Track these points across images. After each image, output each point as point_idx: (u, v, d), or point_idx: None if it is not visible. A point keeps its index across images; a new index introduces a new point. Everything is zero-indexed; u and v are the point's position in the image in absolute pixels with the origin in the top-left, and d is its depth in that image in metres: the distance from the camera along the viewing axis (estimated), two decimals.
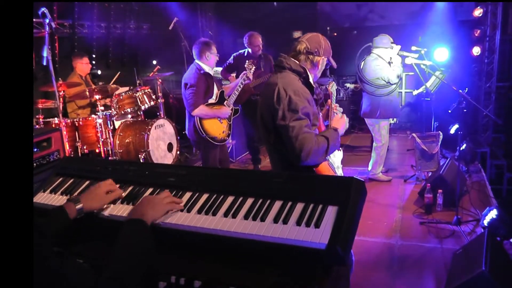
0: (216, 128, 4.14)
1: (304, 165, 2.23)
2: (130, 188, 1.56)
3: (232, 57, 5.50)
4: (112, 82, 5.77)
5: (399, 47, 5.10)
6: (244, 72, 4.35)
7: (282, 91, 2.21)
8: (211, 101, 4.12)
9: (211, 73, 4.18)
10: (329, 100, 2.54)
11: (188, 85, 3.99)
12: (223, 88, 4.37)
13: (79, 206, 1.38)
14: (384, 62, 5.02)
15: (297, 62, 2.35)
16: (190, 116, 4.08)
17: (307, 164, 2.23)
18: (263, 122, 2.39)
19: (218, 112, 4.13)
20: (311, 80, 2.37)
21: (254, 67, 4.42)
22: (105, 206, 1.47)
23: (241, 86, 4.30)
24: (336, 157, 2.55)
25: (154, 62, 6.62)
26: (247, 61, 4.45)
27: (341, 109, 2.68)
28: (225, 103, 4.23)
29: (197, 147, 4.29)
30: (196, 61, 4.15)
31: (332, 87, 2.64)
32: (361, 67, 5.15)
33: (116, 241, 1.17)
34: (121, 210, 1.45)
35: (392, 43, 5.07)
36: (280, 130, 2.23)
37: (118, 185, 1.57)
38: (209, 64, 4.14)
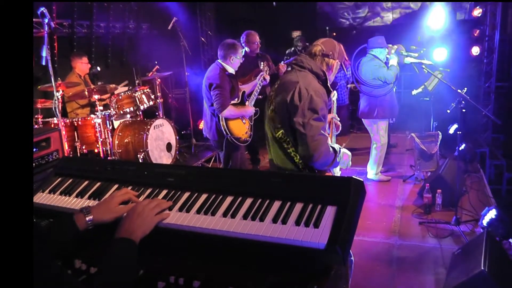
0: (240, 128, 4.15)
1: (312, 165, 2.27)
2: (129, 188, 1.56)
3: None
4: (121, 85, 5.78)
5: (395, 47, 5.10)
6: (261, 73, 4.36)
7: (304, 90, 2.25)
8: (233, 102, 4.12)
9: (234, 73, 4.19)
10: (330, 114, 2.56)
11: (213, 85, 3.94)
12: (242, 89, 4.39)
13: (89, 217, 1.33)
14: (380, 62, 5.03)
15: (317, 64, 2.39)
16: (212, 117, 4.07)
17: (316, 164, 2.27)
18: (273, 117, 2.40)
19: (244, 112, 4.16)
20: (329, 84, 2.41)
21: (268, 69, 4.43)
22: (116, 218, 1.37)
23: (260, 87, 4.31)
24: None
25: (156, 62, 6.62)
26: (262, 62, 4.44)
27: (339, 123, 2.74)
28: (246, 103, 4.26)
29: (219, 147, 4.27)
30: (220, 61, 4.13)
31: (334, 97, 2.66)
32: (358, 68, 5.16)
33: (104, 259, 1.17)
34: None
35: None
36: (296, 127, 2.25)
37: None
38: (232, 66, 4.15)
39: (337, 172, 2.59)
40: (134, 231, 1.24)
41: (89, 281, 1.20)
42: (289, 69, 2.51)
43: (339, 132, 2.74)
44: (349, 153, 2.51)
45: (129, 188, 1.55)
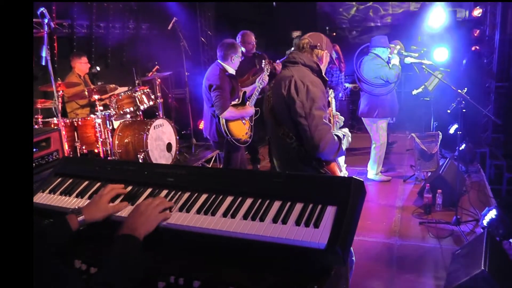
0: (240, 129, 4.12)
1: (318, 156, 2.27)
2: (129, 188, 1.56)
3: None
4: (120, 88, 5.79)
5: (398, 47, 5.11)
6: (262, 72, 4.33)
7: (299, 82, 2.25)
8: (233, 102, 4.10)
9: (234, 73, 4.16)
10: (329, 109, 2.56)
11: (213, 86, 3.92)
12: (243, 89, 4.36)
13: (81, 218, 1.35)
14: (382, 62, 5.04)
15: (309, 57, 2.40)
16: (212, 117, 4.05)
17: (323, 155, 2.27)
18: (272, 115, 2.40)
19: (244, 112, 4.14)
20: (323, 74, 2.42)
21: (269, 67, 4.38)
22: (107, 216, 1.42)
23: (261, 86, 4.27)
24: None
25: (156, 62, 6.62)
26: (263, 60, 4.38)
27: (343, 118, 2.74)
28: (247, 103, 4.23)
29: (219, 148, 4.28)
30: (220, 61, 4.10)
31: (331, 94, 2.67)
32: (360, 66, 5.16)
33: (108, 256, 1.17)
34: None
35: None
36: (298, 119, 2.24)
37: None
38: (233, 66, 4.12)
39: (343, 164, 2.58)
40: (137, 228, 1.25)
41: (89, 281, 1.20)
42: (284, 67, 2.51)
43: (340, 127, 2.73)
44: (346, 130, 2.52)
45: (129, 188, 1.55)
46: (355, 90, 7.89)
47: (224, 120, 3.96)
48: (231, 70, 4.10)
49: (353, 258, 2.56)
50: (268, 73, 4.33)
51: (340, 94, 7.22)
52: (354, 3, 8.69)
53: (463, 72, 6.71)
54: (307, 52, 2.43)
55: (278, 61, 4.91)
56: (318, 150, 2.22)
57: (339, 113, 2.72)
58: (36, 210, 1.58)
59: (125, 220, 1.30)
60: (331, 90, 2.73)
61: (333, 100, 2.66)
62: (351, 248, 2.52)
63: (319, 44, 2.43)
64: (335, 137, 2.30)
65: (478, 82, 6.84)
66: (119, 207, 1.44)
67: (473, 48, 6.78)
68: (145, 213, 1.31)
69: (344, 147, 2.42)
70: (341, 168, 2.54)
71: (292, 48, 7.39)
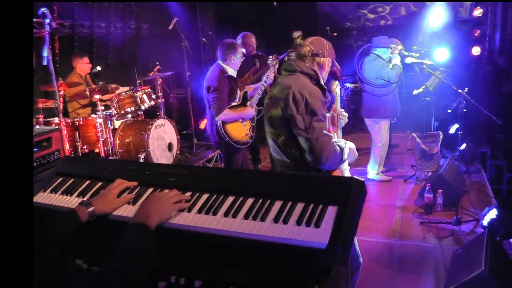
0: (239, 131, 4.06)
1: (321, 168, 2.24)
2: (136, 184, 1.56)
3: None
4: (121, 88, 5.80)
5: (399, 47, 5.11)
6: (268, 69, 4.23)
7: (298, 94, 2.20)
8: (233, 103, 4.05)
9: (235, 75, 4.10)
10: (334, 105, 2.53)
11: (211, 88, 3.88)
12: (245, 88, 4.28)
13: (90, 209, 1.36)
14: (383, 62, 5.04)
15: (307, 65, 2.35)
16: (212, 119, 4.01)
17: (325, 167, 2.23)
18: (272, 123, 2.37)
19: (243, 114, 4.05)
20: (322, 82, 2.37)
21: (276, 63, 4.24)
22: (116, 209, 1.44)
23: (264, 85, 4.17)
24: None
25: (157, 62, 6.63)
26: (270, 57, 4.28)
27: (347, 115, 2.70)
28: (248, 103, 4.14)
29: (220, 148, 4.23)
30: (220, 62, 4.06)
31: (336, 87, 2.63)
32: (361, 67, 5.16)
33: (119, 244, 1.17)
34: (121, 210, 1.45)
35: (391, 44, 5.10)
36: (297, 132, 2.21)
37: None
38: (233, 67, 4.07)
39: (345, 168, 2.56)
40: (149, 216, 1.26)
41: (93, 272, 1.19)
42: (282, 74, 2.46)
43: (344, 124, 2.69)
44: (352, 145, 2.46)
45: (136, 183, 1.56)
46: (356, 90, 7.90)
47: (221, 123, 3.92)
48: (231, 71, 4.06)
49: (360, 260, 2.53)
50: (274, 70, 4.22)
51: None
52: (361, 10, 8.67)
53: (481, 79, 6.69)
54: (308, 60, 2.37)
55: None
56: (320, 163, 2.18)
57: (343, 110, 2.68)
58: (37, 210, 1.58)
59: (138, 209, 1.32)
60: (337, 82, 2.67)
61: (338, 92, 2.60)
62: (358, 250, 2.52)
63: (321, 51, 2.37)
64: (337, 147, 2.26)
65: (492, 88, 6.82)
66: (125, 199, 1.47)
67: (475, 52, 6.76)
68: (159, 201, 1.32)
69: (348, 160, 2.38)
70: (343, 172, 2.52)
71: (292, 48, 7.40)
